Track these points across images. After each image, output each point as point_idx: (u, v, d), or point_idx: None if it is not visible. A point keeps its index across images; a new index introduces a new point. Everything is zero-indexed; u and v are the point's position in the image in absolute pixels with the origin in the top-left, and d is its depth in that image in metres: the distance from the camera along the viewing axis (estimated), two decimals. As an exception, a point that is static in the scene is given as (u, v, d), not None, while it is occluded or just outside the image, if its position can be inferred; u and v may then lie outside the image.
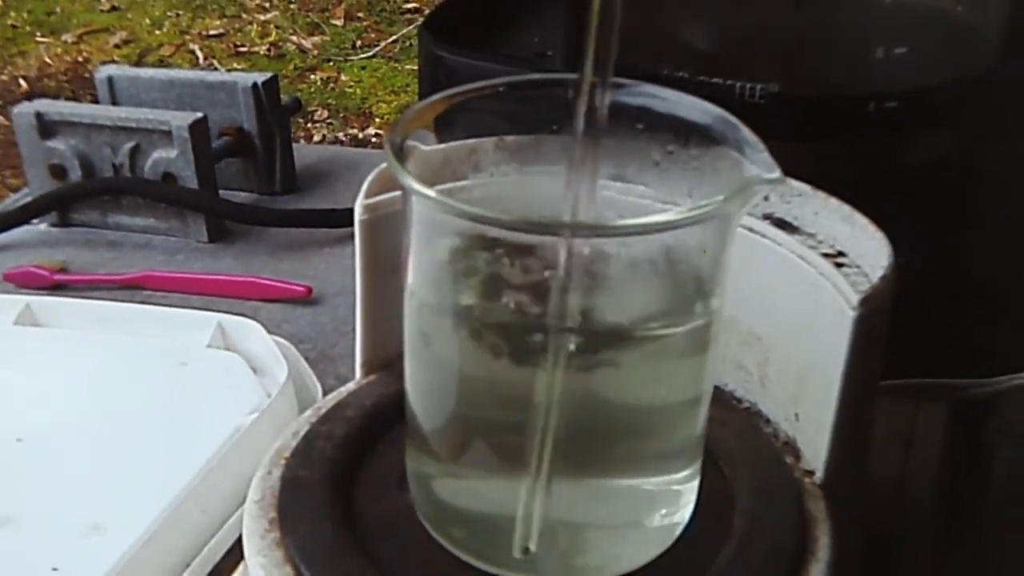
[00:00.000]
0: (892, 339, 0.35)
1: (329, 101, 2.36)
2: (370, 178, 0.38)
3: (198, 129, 0.72)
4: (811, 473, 0.35)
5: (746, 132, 0.29)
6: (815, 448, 0.35)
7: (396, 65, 2.52)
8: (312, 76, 2.43)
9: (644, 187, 0.33)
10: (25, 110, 0.75)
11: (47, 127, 0.75)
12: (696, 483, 0.33)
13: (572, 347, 0.29)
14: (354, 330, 0.40)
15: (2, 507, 0.43)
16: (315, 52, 2.59)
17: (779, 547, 0.32)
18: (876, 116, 0.45)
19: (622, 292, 0.30)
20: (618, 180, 0.33)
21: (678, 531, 0.33)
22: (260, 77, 0.79)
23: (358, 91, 2.40)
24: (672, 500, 0.33)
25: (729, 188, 0.28)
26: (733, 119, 0.30)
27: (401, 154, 0.29)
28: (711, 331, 0.31)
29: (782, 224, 0.37)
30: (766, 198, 0.38)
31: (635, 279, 0.30)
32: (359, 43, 2.65)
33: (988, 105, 0.48)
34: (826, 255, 0.35)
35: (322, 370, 0.53)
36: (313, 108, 2.28)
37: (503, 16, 0.58)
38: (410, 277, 0.31)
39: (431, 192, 0.27)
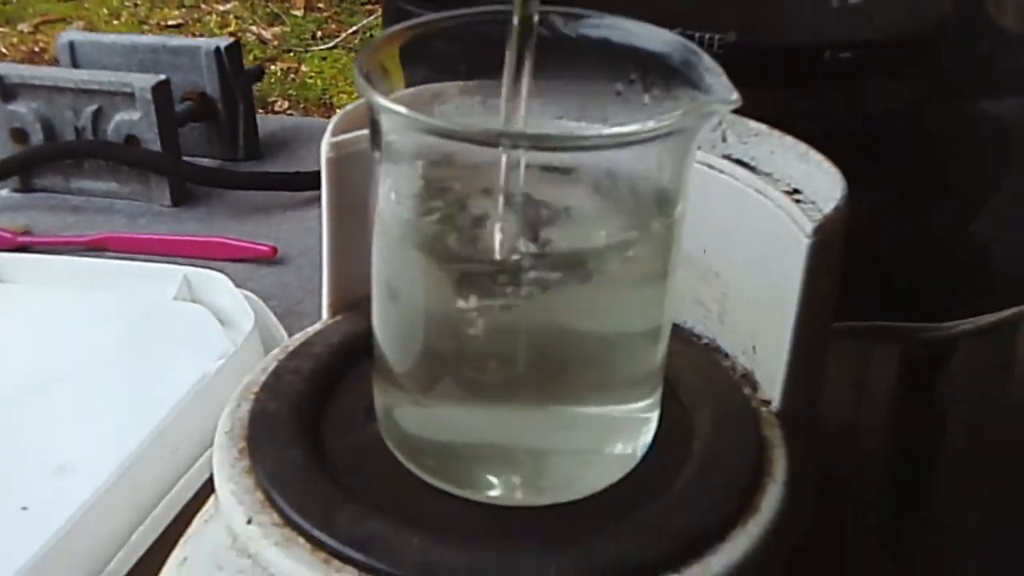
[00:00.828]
0: (845, 284, 0.36)
1: (290, 92, 2.35)
2: (336, 117, 0.39)
3: (161, 91, 0.72)
4: (767, 403, 0.36)
5: (706, 58, 0.30)
6: (771, 379, 0.36)
7: (357, 56, 2.51)
8: (272, 67, 2.42)
9: (605, 120, 0.33)
10: (-15, 73, 0.75)
11: (8, 90, 0.75)
12: (656, 412, 0.34)
13: (533, 271, 0.30)
14: (319, 287, 0.41)
15: (-30, 453, 0.43)
16: (275, 43, 2.58)
17: (737, 469, 0.33)
18: (831, 66, 0.46)
19: (583, 212, 0.31)
20: (579, 112, 0.33)
21: (638, 457, 0.33)
22: (223, 42, 0.79)
23: (319, 82, 2.39)
24: (633, 428, 0.34)
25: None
26: (692, 46, 0.31)
27: (369, 76, 0.29)
28: (670, 255, 0.32)
29: (740, 163, 0.38)
30: (724, 139, 0.39)
31: (595, 199, 0.31)
32: (319, 34, 2.64)
33: (941, 60, 0.49)
34: (783, 192, 0.36)
35: (288, 325, 0.54)
36: (273, 99, 2.27)
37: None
38: (378, 205, 0.32)
39: (399, 107, 0.28)
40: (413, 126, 0.29)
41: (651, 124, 0.28)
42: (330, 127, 0.39)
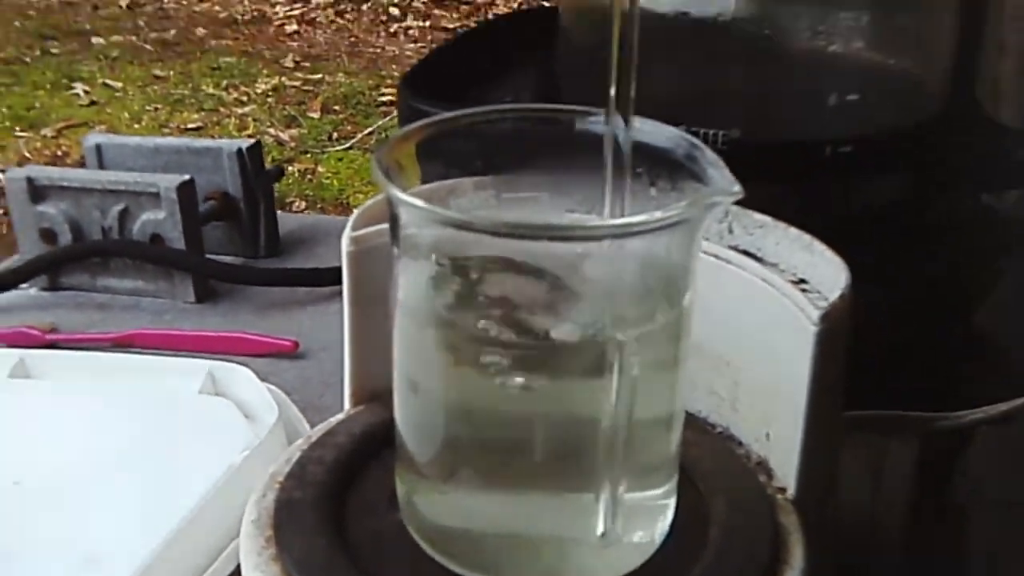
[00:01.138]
0: (857, 375, 0.37)
1: (307, 192, 2.39)
2: (356, 213, 0.40)
3: (186, 191, 0.74)
4: (783, 490, 0.37)
5: (708, 152, 0.32)
6: (786, 466, 0.37)
7: (373, 157, 2.55)
8: (290, 167, 2.47)
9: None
10: (16, 175, 0.77)
11: (38, 191, 0.77)
12: (673, 499, 0.35)
13: (549, 360, 0.31)
14: (340, 381, 0.42)
15: (2, 544, 0.44)
16: (292, 144, 2.63)
17: (754, 557, 0.34)
18: (832, 160, 0.47)
19: (596, 302, 0.32)
20: (589, 205, 0.35)
21: (657, 544, 0.34)
22: (244, 143, 0.81)
23: (335, 182, 2.44)
24: (651, 515, 0.34)
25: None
26: (695, 140, 0.32)
27: (388, 171, 0.31)
28: (681, 343, 0.33)
29: (746, 254, 0.39)
30: (731, 231, 0.40)
31: (606, 289, 0.32)
32: (336, 135, 2.69)
33: (939, 153, 0.51)
34: (789, 281, 0.37)
35: (309, 419, 0.54)
36: (291, 199, 2.31)
37: (478, 74, 0.60)
38: (398, 298, 0.33)
39: (417, 200, 0.29)
40: (431, 218, 0.30)
41: (658, 215, 0.30)
42: (350, 222, 0.40)
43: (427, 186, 0.35)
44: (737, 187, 0.31)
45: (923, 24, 0.51)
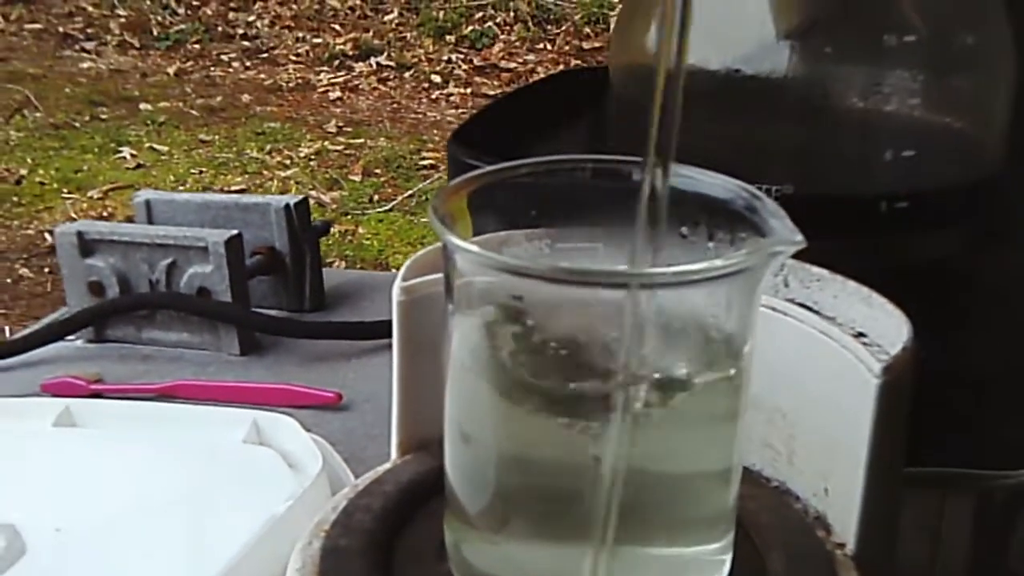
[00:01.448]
0: (915, 431, 0.36)
1: (347, 252, 2.42)
2: (408, 263, 0.40)
3: (234, 245, 0.75)
4: (842, 545, 0.36)
5: (768, 202, 0.31)
6: (845, 521, 0.36)
7: (412, 218, 2.59)
8: (331, 229, 2.49)
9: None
10: (67, 230, 0.78)
11: (87, 245, 0.78)
12: (729, 555, 0.34)
13: (607, 410, 0.30)
14: (384, 433, 0.41)
15: (41, 593, 0.43)
16: (334, 206, 2.67)
17: (813, 613, 0.33)
18: (888, 215, 0.47)
19: (654, 352, 0.32)
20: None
21: (713, 600, 0.33)
22: (292, 199, 0.82)
23: (375, 243, 2.47)
24: (706, 570, 0.33)
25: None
26: (755, 191, 0.32)
27: (444, 220, 0.31)
28: (740, 395, 0.32)
29: (803, 307, 0.39)
30: (786, 284, 0.40)
31: (665, 339, 0.31)
32: (376, 197, 2.73)
33: (996, 206, 0.50)
34: (848, 334, 0.36)
35: (353, 470, 0.54)
36: (332, 259, 2.34)
37: (528, 131, 0.61)
38: (452, 349, 0.33)
39: (474, 247, 0.29)
40: (488, 264, 0.30)
41: (718, 263, 0.29)
42: (401, 272, 0.40)
43: (480, 237, 0.35)
44: (799, 236, 0.30)
45: (980, 84, 0.51)
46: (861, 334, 0.36)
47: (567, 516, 0.32)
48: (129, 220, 0.87)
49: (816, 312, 0.38)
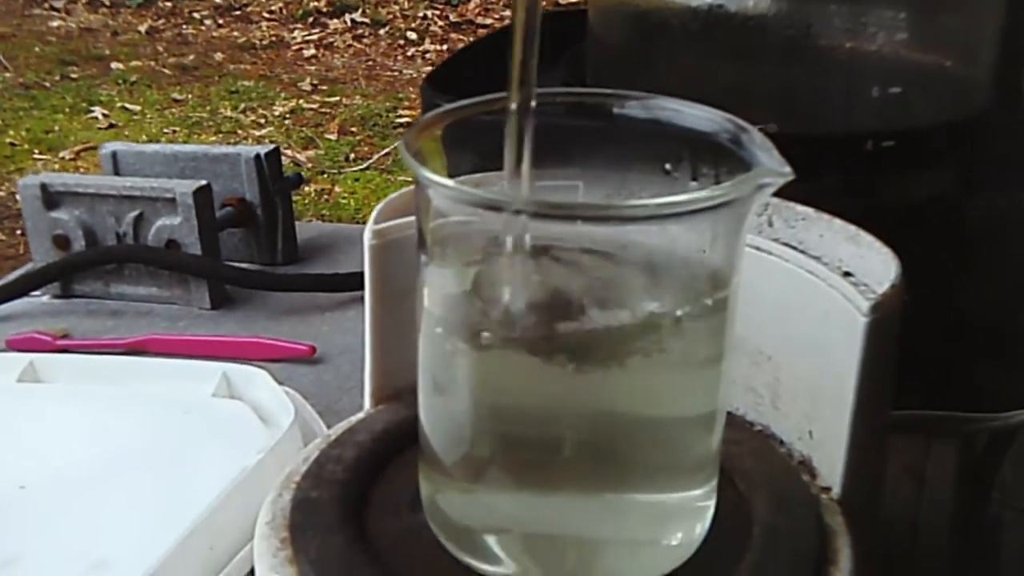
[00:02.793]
0: (897, 375, 0.35)
1: (323, 211, 2.40)
2: (379, 206, 0.39)
3: (202, 195, 0.73)
4: (828, 489, 0.35)
5: (756, 134, 0.30)
6: (831, 465, 0.35)
7: (389, 176, 2.57)
8: (306, 187, 2.47)
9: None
10: (31, 182, 0.76)
11: (51, 198, 0.76)
12: (712, 501, 0.33)
13: (584, 351, 0.29)
14: (358, 386, 0.40)
15: (6, 549, 0.42)
16: (309, 165, 2.64)
17: (799, 558, 0.32)
18: (874, 154, 0.46)
19: (634, 291, 0.30)
20: (627, 192, 0.33)
21: (694, 547, 0.32)
22: (263, 149, 0.80)
23: (352, 202, 2.44)
24: (689, 517, 0.32)
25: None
26: (742, 123, 0.30)
27: (417, 155, 0.29)
28: (724, 335, 0.31)
29: (788, 247, 0.37)
30: (770, 223, 0.39)
31: (645, 277, 0.30)
32: (353, 156, 2.70)
33: (981, 147, 0.49)
34: (835, 273, 0.35)
35: (327, 423, 0.53)
36: (307, 218, 2.31)
37: (502, 72, 0.59)
38: (424, 300, 0.31)
39: (448, 180, 0.28)
40: (463, 199, 0.29)
41: (703, 194, 0.28)
42: (373, 215, 0.39)
43: (454, 179, 0.33)
44: (788, 168, 0.29)
45: (967, 22, 0.50)
46: (848, 273, 0.35)
47: (544, 464, 0.31)
48: (97, 175, 0.85)
49: (802, 252, 0.37)
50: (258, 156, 0.79)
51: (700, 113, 0.32)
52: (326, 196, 2.49)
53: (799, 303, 0.36)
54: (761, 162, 0.29)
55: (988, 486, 0.47)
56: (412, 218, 0.36)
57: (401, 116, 2.98)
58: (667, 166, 0.32)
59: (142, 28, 3.82)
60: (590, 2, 0.59)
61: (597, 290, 0.31)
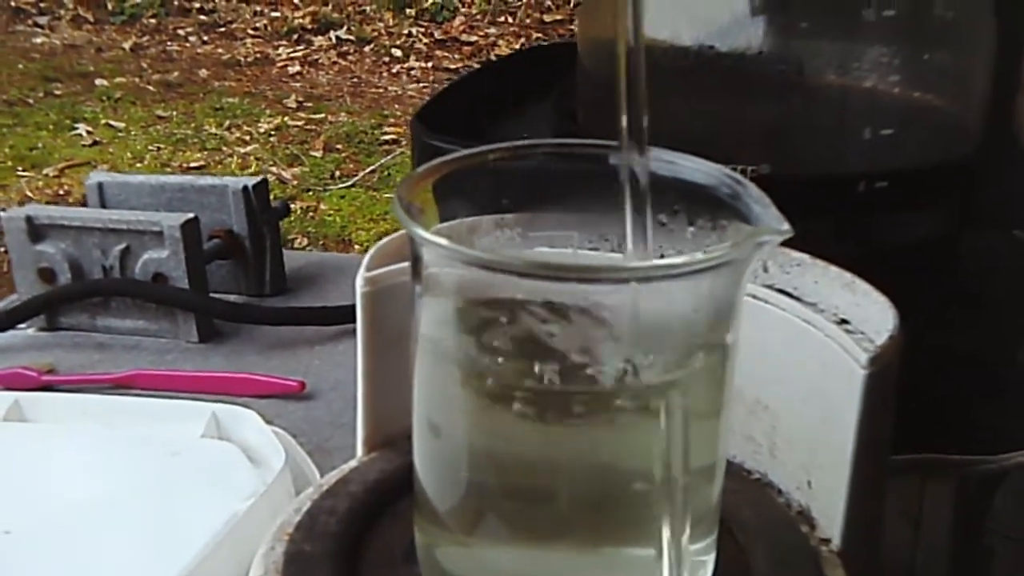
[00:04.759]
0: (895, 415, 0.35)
1: (309, 229, 2.39)
2: (371, 252, 0.38)
3: (189, 229, 0.72)
4: (827, 541, 0.35)
5: (752, 188, 0.30)
6: (830, 516, 0.35)
7: (375, 194, 2.56)
8: (292, 205, 2.47)
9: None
10: (15, 215, 0.75)
11: (37, 231, 0.75)
12: (713, 555, 0.33)
13: (583, 404, 0.29)
14: (350, 423, 0.40)
15: (-11, 599, 0.42)
16: (295, 182, 2.64)
17: (800, 614, 0.31)
18: (866, 196, 0.46)
19: (631, 345, 0.30)
20: (616, 242, 0.33)
21: (695, 601, 0.32)
22: (250, 181, 0.80)
23: (337, 219, 2.43)
24: (689, 572, 0.32)
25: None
26: (737, 176, 0.30)
27: (409, 209, 0.29)
28: (723, 390, 0.31)
29: (783, 293, 0.37)
30: (765, 269, 0.38)
31: (644, 331, 0.30)
32: (338, 173, 2.70)
33: (975, 186, 0.49)
34: (831, 322, 0.35)
35: (318, 462, 0.52)
36: (293, 236, 2.30)
37: (493, 109, 0.59)
38: (419, 339, 0.31)
39: (442, 240, 0.27)
40: (456, 258, 0.28)
41: (699, 256, 0.28)
42: (364, 261, 0.38)
43: (447, 224, 0.33)
44: (786, 226, 0.29)
45: (960, 62, 0.50)
46: (844, 321, 0.35)
47: (541, 516, 0.30)
48: (83, 204, 0.84)
49: (797, 299, 0.37)
50: (246, 188, 0.78)
51: (696, 166, 0.32)
52: (312, 213, 2.48)
53: (796, 353, 0.36)
54: (759, 218, 0.29)
55: (980, 524, 0.47)
56: (405, 264, 0.36)
57: (386, 133, 2.98)
58: (663, 217, 0.32)
59: (126, 45, 3.80)
60: (579, 36, 0.59)
61: (591, 345, 0.30)
